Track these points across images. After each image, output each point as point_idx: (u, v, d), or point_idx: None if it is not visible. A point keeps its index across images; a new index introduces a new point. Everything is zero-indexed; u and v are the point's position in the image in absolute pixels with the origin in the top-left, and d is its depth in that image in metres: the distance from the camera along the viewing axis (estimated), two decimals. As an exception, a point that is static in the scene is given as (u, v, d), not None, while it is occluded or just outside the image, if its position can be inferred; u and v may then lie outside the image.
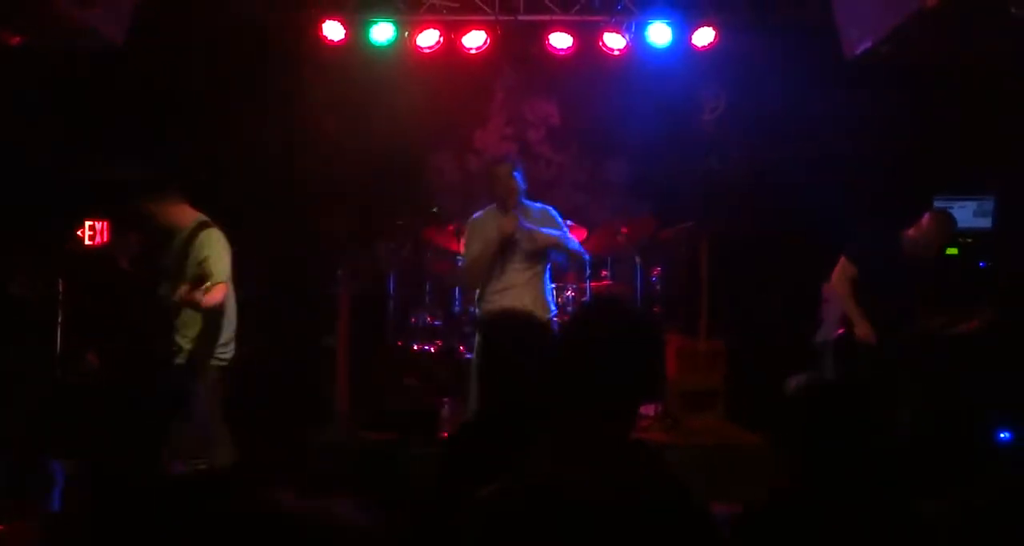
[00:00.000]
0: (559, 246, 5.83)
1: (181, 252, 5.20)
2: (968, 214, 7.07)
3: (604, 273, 7.77)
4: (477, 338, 5.83)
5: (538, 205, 6.01)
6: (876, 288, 5.74)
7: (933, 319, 5.87)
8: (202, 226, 5.28)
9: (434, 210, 7.73)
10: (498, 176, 5.84)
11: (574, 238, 6.14)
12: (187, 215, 5.40)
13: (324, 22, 7.41)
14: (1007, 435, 6.33)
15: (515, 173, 5.83)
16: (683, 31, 7.44)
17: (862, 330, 5.67)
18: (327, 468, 5.96)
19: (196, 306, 5.01)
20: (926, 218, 5.87)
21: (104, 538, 1.58)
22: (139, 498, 1.60)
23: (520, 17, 7.55)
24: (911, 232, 5.89)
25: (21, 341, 6.51)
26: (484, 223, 5.91)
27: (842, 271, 5.86)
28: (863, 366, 5.64)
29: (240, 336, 5.52)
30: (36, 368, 6.55)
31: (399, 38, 7.50)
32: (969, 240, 7.06)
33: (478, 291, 5.96)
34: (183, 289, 4.98)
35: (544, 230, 5.79)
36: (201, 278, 5.07)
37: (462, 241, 7.40)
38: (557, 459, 1.97)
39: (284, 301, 6.08)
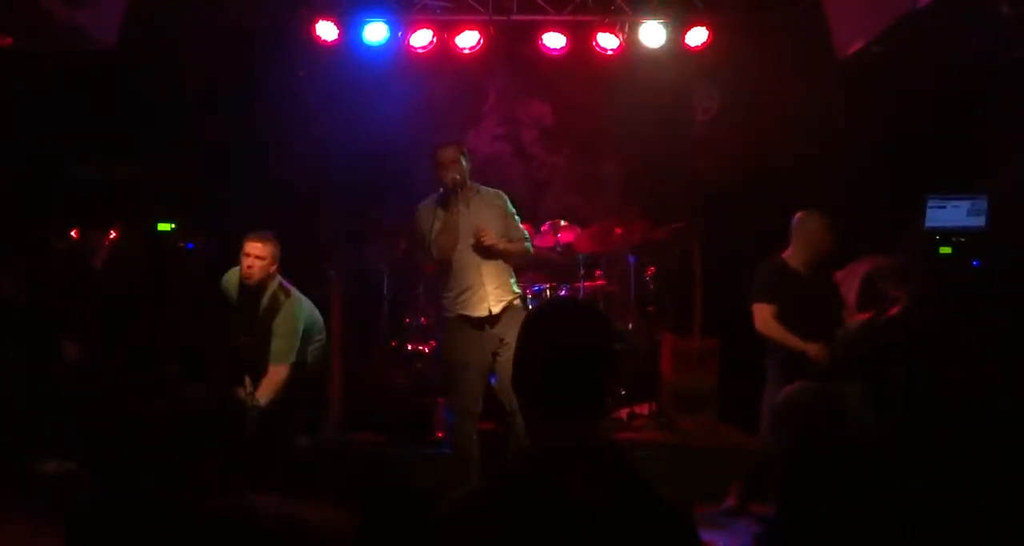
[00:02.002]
0: (511, 257, 5.78)
1: (266, 312, 5.50)
2: (962, 213, 7.07)
3: (598, 273, 7.78)
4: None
5: (491, 190, 5.90)
6: (793, 315, 5.63)
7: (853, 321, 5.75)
8: (285, 292, 5.55)
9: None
10: (442, 161, 5.67)
11: (524, 230, 5.98)
12: (270, 279, 5.59)
13: (317, 22, 7.39)
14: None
15: (461, 157, 5.68)
16: (676, 31, 7.43)
17: (813, 351, 5.49)
18: (317, 469, 5.96)
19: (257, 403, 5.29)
20: (796, 219, 5.77)
21: (78, 539, 1.59)
22: (115, 501, 1.61)
23: (513, 17, 7.53)
24: (790, 248, 5.78)
25: (10, 343, 6.50)
26: (431, 211, 5.73)
27: (762, 314, 5.69)
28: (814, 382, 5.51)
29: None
30: (27, 369, 6.55)
31: (392, 38, 7.49)
32: (963, 239, 7.06)
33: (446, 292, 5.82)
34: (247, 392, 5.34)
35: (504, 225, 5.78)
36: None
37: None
38: (528, 461, 1.97)
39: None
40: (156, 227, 7.69)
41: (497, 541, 1.85)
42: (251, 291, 5.56)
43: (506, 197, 5.91)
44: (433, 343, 7.44)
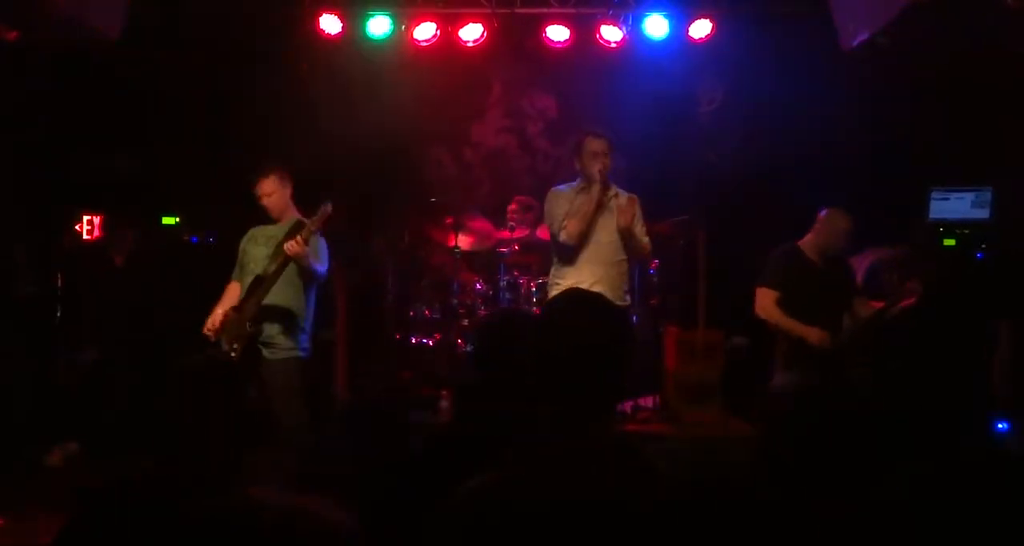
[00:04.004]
0: (635, 243, 5.74)
1: (290, 234, 5.38)
2: (966, 205, 7.05)
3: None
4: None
5: (627, 194, 5.84)
6: (803, 304, 5.63)
7: (865, 310, 5.77)
8: (303, 224, 5.45)
9: (432, 200, 7.72)
10: (593, 150, 5.63)
11: (646, 239, 5.92)
12: (290, 209, 5.68)
13: (321, 15, 7.40)
14: (1004, 426, 6.32)
15: (610, 152, 5.63)
16: (680, 23, 7.42)
17: (814, 337, 5.50)
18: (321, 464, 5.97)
19: (302, 258, 5.28)
20: (824, 215, 5.78)
21: (82, 536, 1.59)
22: (120, 496, 1.62)
23: (517, 10, 7.54)
24: (810, 237, 5.81)
25: (19, 338, 6.52)
26: (569, 197, 5.73)
27: (764, 299, 5.72)
28: (817, 374, 5.53)
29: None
30: (34, 364, 6.57)
31: (396, 31, 7.49)
32: (967, 231, 7.05)
33: (557, 280, 5.81)
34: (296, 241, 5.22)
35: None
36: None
37: (460, 234, 7.40)
38: (536, 456, 1.96)
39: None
40: (161, 221, 7.71)
41: (506, 537, 1.84)
42: (268, 228, 5.65)
43: (637, 203, 5.82)
44: (438, 336, 7.44)
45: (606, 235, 5.69)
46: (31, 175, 6.98)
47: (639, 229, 5.84)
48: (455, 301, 7.39)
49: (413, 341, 7.45)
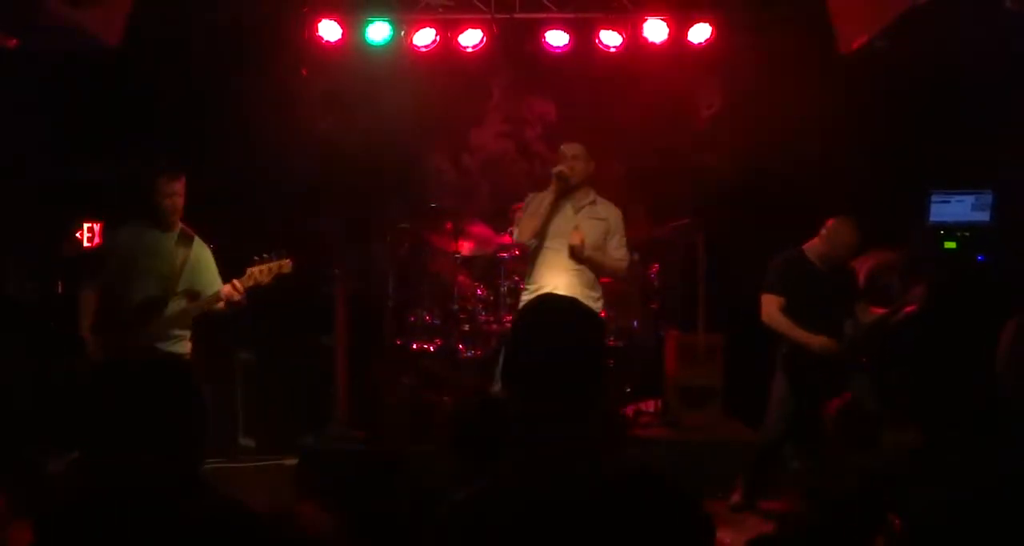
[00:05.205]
0: (598, 267, 5.79)
1: (175, 256, 5.38)
2: (966, 208, 7.07)
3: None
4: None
5: (609, 205, 5.94)
6: (805, 309, 5.63)
7: (866, 316, 5.78)
8: (191, 236, 5.45)
9: (432, 205, 7.71)
10: (560, 154, 5.82)
11: (622, 255, 5.95)
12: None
13: (320, 21, 7.41)
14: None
15: (583, 156, 5.77)
16: (679, 28, 7.43)
17: (819, 344, 5.52)
18: (321, 470, 5.98)
19: (239, 303, 5.31)
20: (831, 224, 5.74)
21: (78, 538, 1.59)
22: (113, 499, 1.62)
23: (516, 15, 7.54)
24: (815, 243, 5.79)
25: (17, 343, 6.50)
26: (536, 198, 5.88)
27: (769, 306, 5.71)
28: (816, 378, 5.54)
29: (240, 337, 5.60)
30: (31, 369, 6.55)
31: (395, 37, 7.50)
32: (967, 234, 7.06)
33: (526, 286, 5.91)
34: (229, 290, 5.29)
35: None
36: (194, 291, 5.43)
37: (460, 240, 7.40)
38: (529, 460, 1.96)
39: (281, 301, 6.07)
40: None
41: (501, 542, 1.84)
42: (159, 236, 5.48)
43: (620, 216, 5.94)
44: (438, 342, 7.43)
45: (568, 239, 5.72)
46: (31, 182, 6.98)
47: (614, 243, 5.88)
48: (455, 307, 7.38)
49: (413, 347, 7.43)
